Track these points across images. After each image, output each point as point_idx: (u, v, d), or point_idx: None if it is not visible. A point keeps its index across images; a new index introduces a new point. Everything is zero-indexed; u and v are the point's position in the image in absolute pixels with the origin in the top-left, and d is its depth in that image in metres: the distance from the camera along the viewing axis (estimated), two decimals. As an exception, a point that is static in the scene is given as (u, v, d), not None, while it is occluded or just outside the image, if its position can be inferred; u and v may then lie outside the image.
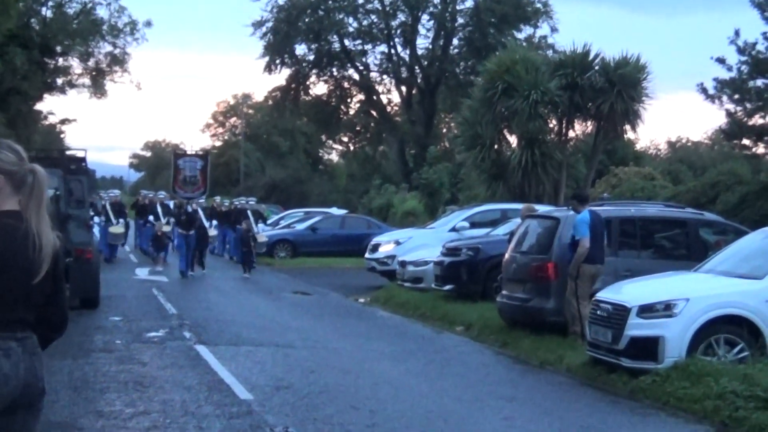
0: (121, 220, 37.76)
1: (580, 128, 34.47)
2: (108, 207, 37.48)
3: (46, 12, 53.39)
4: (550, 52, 53.66)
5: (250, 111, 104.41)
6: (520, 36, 64.51)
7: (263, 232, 36.78)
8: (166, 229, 34.34)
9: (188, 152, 44.13)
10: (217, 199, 41.96)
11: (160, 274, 31.27)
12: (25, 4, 40.45)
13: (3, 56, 38.59)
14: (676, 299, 13.22)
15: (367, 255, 30.68)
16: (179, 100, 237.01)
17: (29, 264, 4.83)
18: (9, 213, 4.86)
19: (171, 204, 38.64)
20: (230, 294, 26.51)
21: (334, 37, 68.69)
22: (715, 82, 35.60)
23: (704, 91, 36.10)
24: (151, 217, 37.08)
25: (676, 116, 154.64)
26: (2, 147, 4.96)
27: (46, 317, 5.02)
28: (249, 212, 36.25)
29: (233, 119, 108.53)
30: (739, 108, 34.86)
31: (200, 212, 33.43)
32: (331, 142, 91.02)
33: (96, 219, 32.27)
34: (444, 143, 68.51)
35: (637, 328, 13.23)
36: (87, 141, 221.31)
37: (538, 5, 65.34)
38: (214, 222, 36.47)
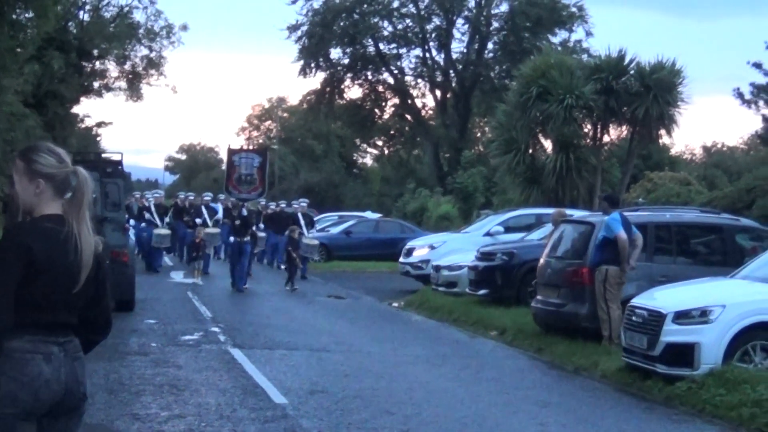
0: (167, 220, 36.33)
1: (615, 133, 34.37)
2: (153, 209, 36.09)
3: (84, 15, 53.72)
4: (585, 57, 53.55)
5: (285, 114, 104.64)
6: (555, 40, 64.46)
7: (310, 236, 34.31)
8: (212, 231, 32.41)
9: (244, 147, 41.52)
10: (262, 201, 39.45)
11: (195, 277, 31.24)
12: (63, 8, 40.70)
13: (41, 59, 38.86)
14: (712, 305, 13.16)
15: (401, 259, 30.68)
16: (214, 103, 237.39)
17: (71, 268, 4.85)
18: (50, 217, 4.88)
19: (218, 207, 37.07)
20: (264, 297, 26.55)
21: (369, 40, 68.82)
22: (752, 87, 35.52)
23: (740, 95, 36.07)
24: (198, 220, 34.62)
25: (711, 121, 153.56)
26: (41, 150, 4.97)
27: (89, 320, 5.04)
28: (300, 215, 34.64)
29: (268, 122, 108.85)
30: (775, 113, 34.69)
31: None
32: (365, 145, 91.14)
33: (132, 222, 31.81)
34: (478, 147, 68.50)
35: (672, 334, 13.18)
36: (123, 144, 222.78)
37: (573, 9, 65.18)
38: (261, 226, 34.57)
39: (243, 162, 34.34)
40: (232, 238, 29.12)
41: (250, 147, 48.19)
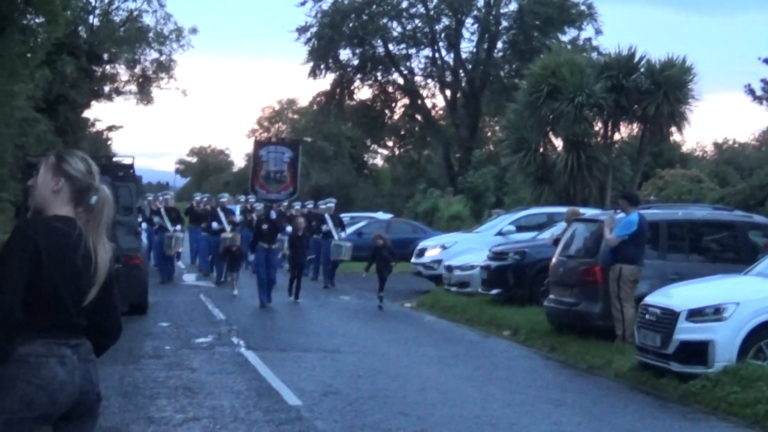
0: (179, 226, 32.50)
1: (625, 131, 34.32)
2: (164, 212, 32.38)
3: (94, 20, 53.77)
4: (594, 55, 53.41)
5: (295, 116, 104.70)
6: (565, 38, 64.25)
7: (341, 240, 31.43)
8: (229, 235, 29.39)
9: (273, 140, 36.63)
10: (285, 202, 34.15)
11: (206, 280, 31.15)
12: (72, 13, 40.77)
13: (51, 65, 38.86)
14: (726, 303, 13.14)
15: (413, 259, 30.64)
16: (224, 106, 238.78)
17: (79, 274, 4.87)
18: (60, 217, 4.91)
19: (237, 209, 34.46)
20: (277, 299, 26.47)
21: (379, 41, 68.71)
22: (763, 83, 35.40)
23: (752, 92, 35.94)
24: (214, 224, 31.28)
25: (722, 117, 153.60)
26: (76, 155, 5.11)
27: (98, 324, 5.06)
28: (327, 217, 31.89)
29: (278, 124, 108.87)
30: (786, 109, 34.58)
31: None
32: (376, 146, 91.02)
33: (144, 225, 30.34)
34: (489, 147, 68.37)
35: (686, 332, 13.17)
36: (134, 147, 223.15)
37: (583, 7, 65.00)
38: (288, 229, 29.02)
39: (272, 157, 31.35)
40: (257, 245, 25.54)
41: (280, 139, 42.89)
